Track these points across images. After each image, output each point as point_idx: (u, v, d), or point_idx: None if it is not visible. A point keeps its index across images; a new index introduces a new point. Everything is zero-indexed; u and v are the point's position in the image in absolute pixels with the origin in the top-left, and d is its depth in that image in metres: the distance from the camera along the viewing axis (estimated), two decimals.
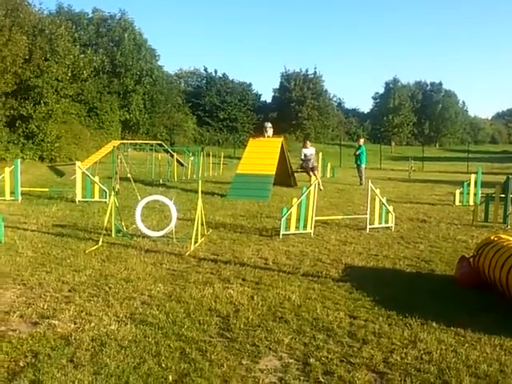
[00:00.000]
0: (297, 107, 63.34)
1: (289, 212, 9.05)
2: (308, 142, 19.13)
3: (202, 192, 8.87)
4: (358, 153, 20.96)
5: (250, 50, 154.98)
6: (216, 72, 67.77)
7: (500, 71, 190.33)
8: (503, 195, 11.01)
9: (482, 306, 5.32)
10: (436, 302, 5.38)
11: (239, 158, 17.71)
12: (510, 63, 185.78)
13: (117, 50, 46.21)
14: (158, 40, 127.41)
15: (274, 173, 15.35)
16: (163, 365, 3.73)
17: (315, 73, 67.16)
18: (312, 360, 3.91)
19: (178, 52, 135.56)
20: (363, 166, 20.88)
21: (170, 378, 3.53)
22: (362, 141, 21.90)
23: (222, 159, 28.67)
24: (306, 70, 67.04)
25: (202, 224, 8.44)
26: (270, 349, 4.13)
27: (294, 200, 9.28)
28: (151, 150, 26.52)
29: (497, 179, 19.06)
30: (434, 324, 4.68)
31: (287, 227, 9.10)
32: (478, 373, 3.73)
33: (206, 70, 68.39)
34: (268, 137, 16.89)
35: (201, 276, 6.21)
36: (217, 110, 63.99)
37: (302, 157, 18.30)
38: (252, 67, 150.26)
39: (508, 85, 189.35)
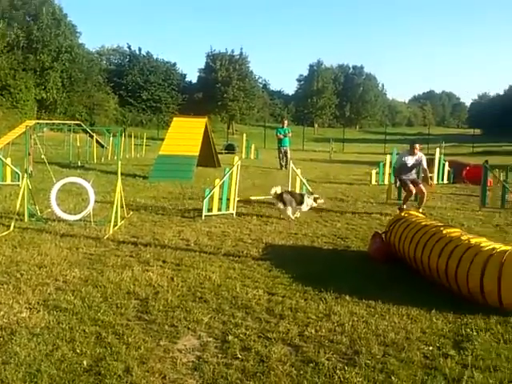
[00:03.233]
0: (222, 88, 63.00)
1: (211, 193, 9.04)
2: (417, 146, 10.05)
3: (123, 174, 8.67)
4: (290, 135, 19.79)
5: (174, 29, 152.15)
6: (140, 50, 66.00)
7: (417, 57, 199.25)
8: None
9: (392, 279, 5.62)
10: (350, 277, 5.62)
11: (163, 140, 17.44)
12: (426, 49, 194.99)
13: (33, 25, 43.69)
14: (80, 16, 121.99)
15: (197, 154, 15.25)
16: (78, 350, 3.64)
17: (241, 54, 67.06)
18: (230, 337, 3.96)
19: (101, 29, 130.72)
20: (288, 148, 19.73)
21: (85, 363, 3.46)
22: (286, 123, 20.98)
23: (144, 140, 28.08)
24: (232, 51, 66.77)
25: (122, 206, 8.25)
26: (188, 329, 4.14)
27: (217, 181, 9.28)
28: (69, 130, 25.43)
29: None
30: (348, 297, 4.88)
31: (209, 208, 9.10)
32: (386, 341, 3.94)
33: (129, 47, 66.45)
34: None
35: (119, 259, 6.09)
36: (140, 90, 62.39)
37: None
38: (177, 46, 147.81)
39: (423, 69, 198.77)
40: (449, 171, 16.09)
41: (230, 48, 67.08)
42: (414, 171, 10.00)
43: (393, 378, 3.33)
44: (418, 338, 4.02)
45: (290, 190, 9.79)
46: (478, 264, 4.68)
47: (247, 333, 4.05)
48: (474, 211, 10.32)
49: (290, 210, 8.93)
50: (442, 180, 15.86)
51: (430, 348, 3.84)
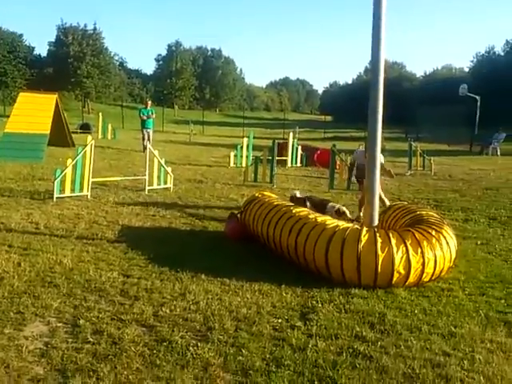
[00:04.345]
0: (75, 64, 59.51)
1: (63, 173, 8.56)
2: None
3: None
4: (154, 116, 19.07)
5: None
6: None
7: (273, 43, 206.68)
8: (270, 158, 12.12)
9: (247, 257, 5.84)
10: (206, 256, 5.73)
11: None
12: (282, 36, 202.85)
13: None
14: None
15: (48, 132, 14.29)
16: None
17: (95, 29, 63.95)
18: (82, 321, 3.83)
19: None
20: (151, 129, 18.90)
21: None
22: (149, 103, 19.82)
23: None
24: (85, 25, 63.29)
25: None
26: (36, 315, 3.92)
27: (69, 161, 8.80)
28: None
29: (267, 143, 20.76)
30: (203, 276, 4.97)
31: (62, 190, 8.62)
32: (239, 316, 4.10)
33: None
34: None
35: None
36: None
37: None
38: (23, 16, 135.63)
39: (280, 56, 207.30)
40: (302, 155, 17.03)
41: (83, 22, 63.80)
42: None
43: (243, 350, 3.48)
44: (269, 311, 4.23)
45: (311, 195, 8.18)
46: (323, 240, 5.04)
47: (100, 316, 3.95)
48: (323, 192, 11.06)
49: None
50: (296, 163, 16.75)
51: (279, 321, 4.06)
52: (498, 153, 23.70)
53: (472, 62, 61.00)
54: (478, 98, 34.54)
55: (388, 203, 8.07)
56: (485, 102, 34.47)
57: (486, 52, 58.53)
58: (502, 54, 55.77)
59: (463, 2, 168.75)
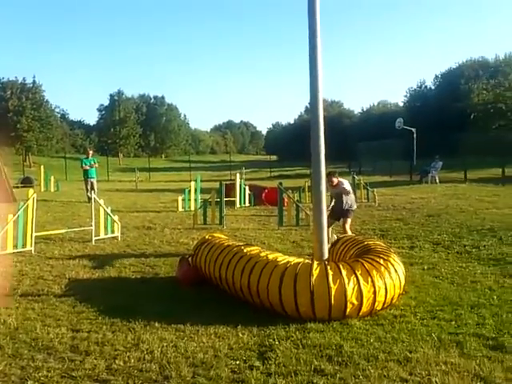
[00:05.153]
0: (15, 118, 58.35)
1: (4, 230, 8.22)
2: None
3: None
4: (97, 165, 18.76)
5: None
6: None
7: (214, 88, 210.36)
8: (218, 199, 12.12)
9: (201, 301, 5.74)
10: (159, 303, 5.60)
11: None
12: (222, 80, 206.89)
13: None
14: None
15: None
16: None
17: (34, 82, 63.18)
18: (30, 383, 3.64)
19: None
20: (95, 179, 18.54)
21: None
22: (91, 153, 19.49)
23: None
24: (24, 79, 62.52)
25: None
26: None
27: (10, 216, 8.48)
28: None
29: (215, 186, 20.77)
30: (157, 324, 4.84)
31: (3, 247, 8.26)
32: (196, 362, 4.00)
33: None
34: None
35: None
36: None
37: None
38: None
39: (223, 99, 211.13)
40: (249, 194, 17.13)
41: (22, 76, 63.14)
42: (339, 199, 9.05)
43: None
44: (226, 354, 4.16)
45: None
46: (275, 277, 5.03)
47: (49, 375, 3.76)
48: (273, 230, 11.12)
49: None
50: (244, 203, 16.81)
51: (237, 362, 3.99)
52: (437, 180, 24.49)
53: (405, 96, 63.57)
54: (413, 130, 36.11)
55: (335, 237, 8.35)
56: (420, 133, 36.04)
57: (418, 86, 61.30)
58: (433, 87, 58.57)
59: (394, 40, 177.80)
